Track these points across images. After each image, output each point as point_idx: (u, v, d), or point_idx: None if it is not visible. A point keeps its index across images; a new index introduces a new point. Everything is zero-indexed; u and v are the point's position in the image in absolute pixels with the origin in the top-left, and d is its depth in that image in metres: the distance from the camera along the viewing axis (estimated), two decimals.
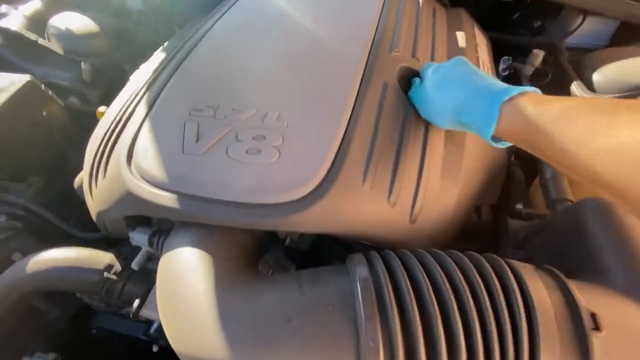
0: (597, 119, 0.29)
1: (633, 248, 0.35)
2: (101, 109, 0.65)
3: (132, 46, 0.99)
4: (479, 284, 0.31)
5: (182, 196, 0.40)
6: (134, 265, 0.51)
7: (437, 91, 0.44)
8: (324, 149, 0.41)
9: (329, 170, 0.40)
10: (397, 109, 0.48)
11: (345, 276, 0.35)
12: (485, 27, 0.85)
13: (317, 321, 0.31)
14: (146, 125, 0.47)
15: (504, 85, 0.38)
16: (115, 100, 0.59)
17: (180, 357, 0.36)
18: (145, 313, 0.55)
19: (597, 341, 0.28)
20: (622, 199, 0.28)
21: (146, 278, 0.54)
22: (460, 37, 0.67)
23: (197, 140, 0.43)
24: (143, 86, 0.55)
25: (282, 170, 0.40)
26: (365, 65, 0.51)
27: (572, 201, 0.47)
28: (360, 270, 0.34)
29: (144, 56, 0.68)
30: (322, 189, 0.39)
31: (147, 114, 0.49)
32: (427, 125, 0.49)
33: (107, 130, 0.51)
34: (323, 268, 0.37)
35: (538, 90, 0.36)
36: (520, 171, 0.60)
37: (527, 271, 0.33)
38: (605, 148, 0.27)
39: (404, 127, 0.47)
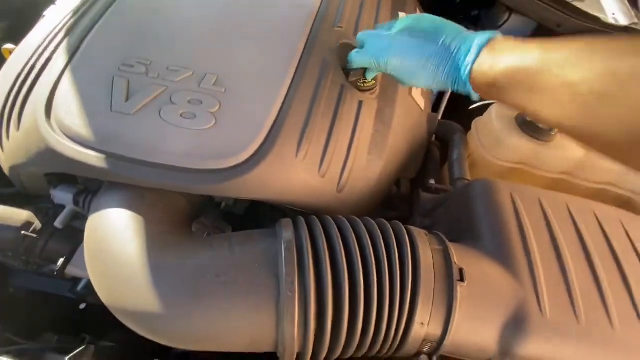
0: (533, 79, 0.30)
1: (501, 221, 0.44)
2: (8, 46, 0.56)
3: None
4: (381, 247, 0.38)
5: (111, 156, 0.39)
6: (58, 224, 0.49)
7: (411, 77, 0.42)
8: (261, 118, 0.43)
9: (265, 139, 0.42)
10: (334, 85, 0.51)
11: (272, 238, 0.39)
12: (429, 10, 0.90)
13: (243, 276, 0.35)
14: (67, 75, 0.44)
15: (470, 38, 0.37)
16: (26, 39, 0.52)
17: (112, 311, 0.37)
18: (71, 271, 0.54)
19: (460, 289, 0.37)
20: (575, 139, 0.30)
21: (70, 236, 0.53)
22: (402, 16, 0.70)
23: (128, 98, 0.42)
24: (62, 27, 0.50)
25: (217, 137, 0.41)
26: (308, 38, 0.52)
27: (468, 180, 0.56)
28: (286, 234, 0.38)
29: None
30: (257, 157, 0.41)
31: (68, 62, 0.45)
32: (360, 103, 0.53)
33: (19, 75, 0.46)
34: (254, 231, 0.41)
35: (498, 34, 0.37)
36: (437, 151, 0.69)
37: (421, 236, 0.40)
38: (542, 107, 0.30)
39: (339, 103, 0.50)
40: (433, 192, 0.63)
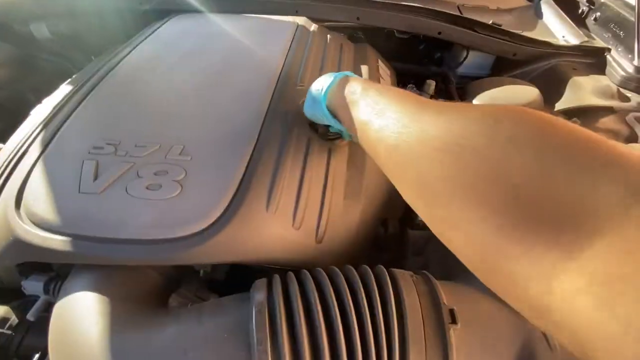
0: (370, 111, 0.31)
1: None
2: None
3: (40, 76, 0.93)
4: (362, 298, 0.35)
5: (76, 238, 0.39)
6: (30, 316, 0.47)
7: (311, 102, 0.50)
8: (227, 179, 0.43)
9: (232, 200, 0.42)
10: (300, 138, 0.52)
11: (245, 303, 0.36)
12: (397, 58, 0.96)
13: (212, 351, 0.32)
14: (40, 165, 0.45)
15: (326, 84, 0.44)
16: (11, 138, 0.55)
17: None
18: None
19: (454, 332, 0.33)
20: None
21: (46, 328, 0.50)
22: (364, 71, 0.74)
23: (95, 178, 0.43)
24: (41, 122, 0.53)
25: (183, 204, 0.41)
26: (271, 99, 0.55)
27: None
28: (257, 296, 0.36)
29: (55, 87, 0.65)
30: (224, 219, 0.41)
31: (41, 153, 0.47)
32: (330, 150, 0.54)
33: None
34: (226, 297, 0.39)
35: (351, 74, 0.44)
36: None
37: (405, 278, 0.38)
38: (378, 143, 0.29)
39: (307, 154, 0.51)
40: (422, 228, 0.61)
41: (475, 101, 0.76)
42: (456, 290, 0.39)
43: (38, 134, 0.50)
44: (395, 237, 0.63)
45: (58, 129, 0.50)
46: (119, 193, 0.42)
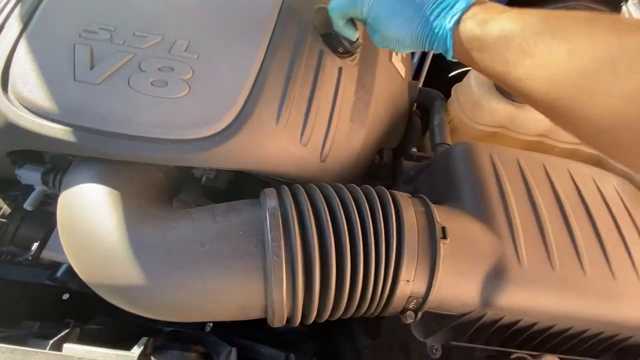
0: (530, 40, 0.28)
1: (481, 181, 0.45)
2: None
3: None
4: (365, 210, 0.38)
5: (79, 129, 0.37)
6: (28, 206, 0.46)
7: (389, 19, 0.38)
8: (238, 84, 0.41)
9: (243, 106, 0.41)
10: (313, 50, 0.49)
11: (256, 207, 0.38)
12: None
13: (228, 244, 0.35)
14: (23, 44, 0.40)
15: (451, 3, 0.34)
16: None
17: (94, 289, 0.36)
18: (48, 256, 0.52)
19: (443, 246, 0.38)
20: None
21: (43, 219, 0.50)
22: None
23: (92, 67, 0.39)
24: None
25: (193, 105, 0.39)
26: (282, 2, 0.50)
27: (449, 145, 0.57)
28: (270, 201, 0.37)
29: None
30: (236, 125, 0.40)
31: (23, 30, 0.41)
32: (340, 70, 0.52)
33: None
34: (237, 201, 0.40)
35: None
36: (418, 120, 0.69)
37: (404, 199, 0.41)
38: (534, 71, 0.27)
39: (318, 69, 0.49)
40: (415, 159, 0.64)
41: None
42: (446, 211, 0.43)
43: (14, 6, 0.43)
44: (388, 166, 0.65)
45: (38, 3, 0.43)
46: (121, 85, 0.39)
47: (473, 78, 0.58)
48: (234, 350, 0.53)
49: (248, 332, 0.75)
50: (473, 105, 0.57)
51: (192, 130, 0.38)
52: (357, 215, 0.37)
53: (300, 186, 0.41)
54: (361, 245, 0.36)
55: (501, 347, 0.46)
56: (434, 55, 0.81)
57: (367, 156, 0.57)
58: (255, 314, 0.37)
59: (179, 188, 0.48)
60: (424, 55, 0.78)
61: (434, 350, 0.45)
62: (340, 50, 0.51)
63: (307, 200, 0.38)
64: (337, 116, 0.50)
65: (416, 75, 0.77)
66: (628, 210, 0.48)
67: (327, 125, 0.49)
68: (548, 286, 0.39)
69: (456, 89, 0.61)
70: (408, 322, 0.40)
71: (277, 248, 0.34)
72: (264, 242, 0.35)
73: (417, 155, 0.63)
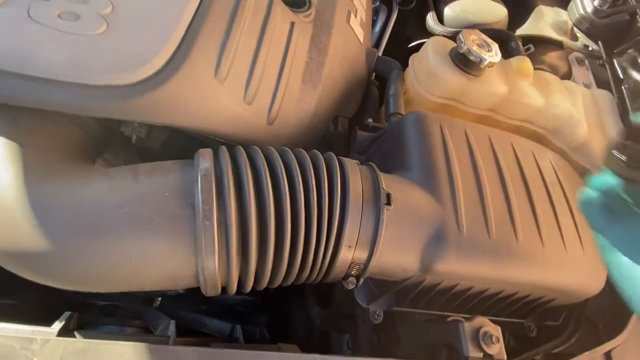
0: None
1: (429, 150, 0.45)
2: None
3: None
4: (310, 173, 0.36)
5: None
6: None
7: None
8: (169, 25, 0.36)
9: (175, 51, 0.35)
10: (260, 1, 0.44)
11: (189, 167, 0.34)
12: None
13: (152, 206, 0.31)
14: None
15: None
16: None
17: None
18: None
19: (387, 212, 0.37)
20: None
21: None
22: None
23: None
24: None
25: (111, 45, 0.33)
26: None
27: (402, 114, 0.56)
28: (203, 161, 0.34)
29: None
30: (166, 72, 0.35)
31: None
32: (293, 24, 0.48)
33: None
34: (167, 161, 0.36)
35: None
36: (376, 90, 0.67)
37: (351, 165, 0.39)
38: None
39: (267, 19, 0.44)
40: (370, 130, 0.62)
41: (447, 9, 0.72)
42: (393, 180, 0.43)
43: None
44: (342, 136, 0.63)
45: None
46: (19, 16, 0.32)
47: (430, 48, 0.57)
48: (172, 322, 0.49)
49: (196, 305, 0.72)
50: (428, 75, 0.56)
51: (108, 75, 0.33)
52: (300, 179, 0.35)
53: (241, 147, 0.37)
54: (303, 210, 0.34)
55: (440, 311, 0.48)
56: (394, 24, 0.78)
57: (321, 122, 0.54)
58: (185, 282, 0.34)
59: (101, 146, 0.42)
60: (385, 23, 0.76)
61: (376, 316, 0.46)
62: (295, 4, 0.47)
63: (247, 162, 0.35)
64: (286, 75, 0.46)
65: (376, 45, 0.75)
66: (561, 183, 0.51)
67: (275, 84, 0.45)
68: (484, 252, 0.41)
69: (413, 59, 0.60)
70: (350, 288, 0.40)
71: (209, 211, 0.31)
72: (194, 205, 0.31)
73: (372, 126, 0.62)
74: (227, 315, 0.71)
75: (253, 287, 0.37)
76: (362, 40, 0.62)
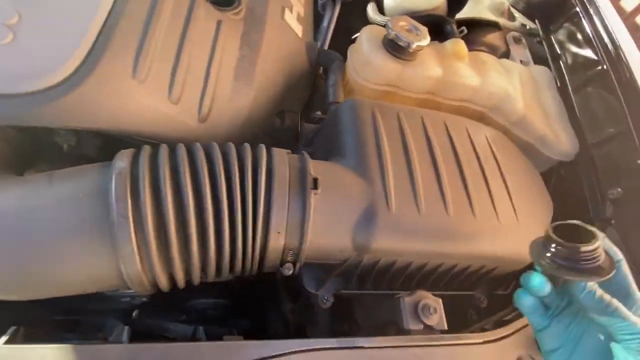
0: None
1: (360, 134, 0.46)
2: None
3: None
4: (233, 165, 0.36)
5: None
6: None
7: None
8: (79, 31, 0.36)
9: (87, 56, 0.36)
10: (181, 1, 0.45)
11: (106, 169, 0.34)
12: None
13: (67, 209, 0.31)
14: None
15: None
16: None
17: None
18: None
19: (314, 197, 0.38)
20: None
21: None
22: None
23: None
24: None
25: (19, 54, 0.34)
26: None
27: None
28: (120, 161, 0.34)
29: None
30: (78, 76, 0.35)
31: None
32: (219, 23, 0.48)
33: None
34: (86, 165, 0.36)
35: None
36: (323, 83, 0.68)
37: (279, 154, 0.40)
38: None
39: (188, 18, 0.45)
40: (316, 122, 0.63)
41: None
42: (327, 165, 0.44)
43: None
44: (291, 131, 0.64)
45: None
46: None
47: (364, 37, 0.58)
48: (125, 328, 0.50)
49: (166, 311, 0.72)
50: (364, 64, 0.57)
51: (16, 84, 0.33)
52: (222, 169, 0.36)
53: (164, 145, 0.38)
54: (225, 200, 0.35)
55: (388, 290, 0.49)
56: (340, 18, 0.80)
57: (260, 118, 0.55)
58: (112, 282, 0.34)
59: (28, 156, 0.42)
60: (330, 17, 0.77)
61: (325, 300, 0.47)
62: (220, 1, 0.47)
63: (166, 157, 0.35)
64: (215, 73, 0.47)
65: (323, 39, 0.76)
66: (495, 157, 0.53)
67: (203, 82, 0.46)
68: (415, 228, 0.42)
69: (350, 49, 0.61)
70: (287, 275, 0.41)
71: (123, 208, 0.31)
72: (109, 204, 0.32)
73: (319, 118, 0.63)
74: (206, 322, 0.71)
75: (188, 281, 0.38)
76: (300, 35, 0.64)
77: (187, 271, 0.36)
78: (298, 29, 0.63)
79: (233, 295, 0.71)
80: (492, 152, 0.54)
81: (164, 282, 0.35)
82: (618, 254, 0.34)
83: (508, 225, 0.47)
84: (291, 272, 0.41)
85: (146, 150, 0.36)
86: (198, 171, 0.35)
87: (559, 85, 0.72)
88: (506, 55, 0.74)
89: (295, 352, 0.35)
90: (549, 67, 0.75)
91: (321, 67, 0.71)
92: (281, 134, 0.64)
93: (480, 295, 0.54)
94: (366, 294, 0.49)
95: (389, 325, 0.45)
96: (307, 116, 0.67)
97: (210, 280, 0.39)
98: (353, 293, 0.48)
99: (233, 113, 0.50)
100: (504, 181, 0.51)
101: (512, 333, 0.45)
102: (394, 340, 0.39)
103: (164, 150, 0.36)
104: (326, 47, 0.76)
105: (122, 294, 0.61)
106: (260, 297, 0.75)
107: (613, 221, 0.59)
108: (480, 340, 0.42)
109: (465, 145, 0.52)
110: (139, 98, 0.39)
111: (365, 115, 0.49)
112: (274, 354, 0.35)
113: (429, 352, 0.39)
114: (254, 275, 0.42)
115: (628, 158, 0.59)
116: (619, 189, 0.59)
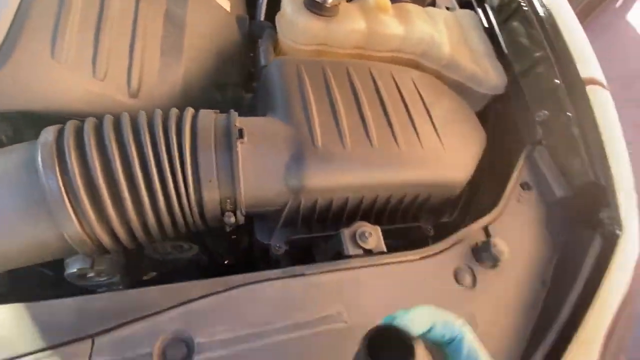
0: None
1: (286, 88, 0.49)
2: None
3: None
4: (158, 125, 0.39)
5: None
6: None
7: None
8: None
9: (3, 42, 0.38)
10: None
11: (33, 143, 0.37)
12: None
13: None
14: None
15: None
16: None
17: None
18: None
19: (241, 145, 0.41)
20: None
21: None
22: None
23: None
24: None
25: None
26: None
27: None
28: (45, 133, 0.36)
29: None
30: None
31: None
32: (137, 2, 0.50)
33: None
34: (17, 144, 0.38)
35: None
36: None
37: (205, 113, 0.43)
38: None
39: (103, 3, 0.47)
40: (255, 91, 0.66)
41: None
42: (255, 120, 0.47)
43: None
44: (233, 101, 0.67)
45: None
46: None
47: (285, 0, 0.61)
48: None
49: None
50: (289, 26, 0.60)
51: None
52: (146, 130, 0.38)
53: (92, 118, 0.40)
54: (151, 157, 0.37)
55: (335, 231, 0.53)
56: None
57: (196, 90, 0.57)
58: (55, 247, 0.36)
59: None
60: None
61: (277, 248, 0.50)
62: None
63: (92, 124, 0.38)
64: (140, 49, 0.49)
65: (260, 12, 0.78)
66: (421, 96, 0.56)
67: (128, 59, 0.48)
68: (342, 162, 0.45)
69: (277, 16, 0.64)
70: (229, 224, 0.44)
71: (51, 172, 0.34)
72: (38, 172, 0.34)
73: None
74: None
75: (137, 242, 0.40)
76: (229, 9, 0.66)
77: (129, 229, 0.39)
78: (225, 4, 0.65)
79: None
80: (417, 91, 0.57)
81: (106, 241, 0.38)
82: (455, 330, 0.29)
83: (434, 153, 0.51)
84: (233, 220, 0.44)
85: (73, 122, 0.38)
86: (122, 129, 0.38)
87: (486, 25, 0.76)
88: (432, 3, 0.77)
89: (237, 287, 0.39)
90: (474, 10, 0.78)
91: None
92: (224, 107, 0.67)
93: (426, 226, 0.58)
94: (318, 238, 0.52)
95: (335, 257, 0.48)
96: (248, 88, 0.69)
97: (158, 238, 0.42)
98: (304, 238, 0.51)
99: (166, 88, 0.52)
100: (429, 115, 0.54)
101: (450, 247, 0.48)
102: (333, 265, 0.42)
103: (90, 120, 0.39)
104: (262, 18, 0.78)
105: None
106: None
107: (544, 142, 0.63)
108: (418, 257, 0.46)
109: (389, 87, 0.55)
110: (62, 77, 0.41)
111: (290, 70, 0.51)
112: (216, 290, 0.38)
113: (367, 272, 0.43)
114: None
115: (549, 81, 0.63)
116: (545, 111, 0.63)
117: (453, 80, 0.69)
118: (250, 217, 0.50)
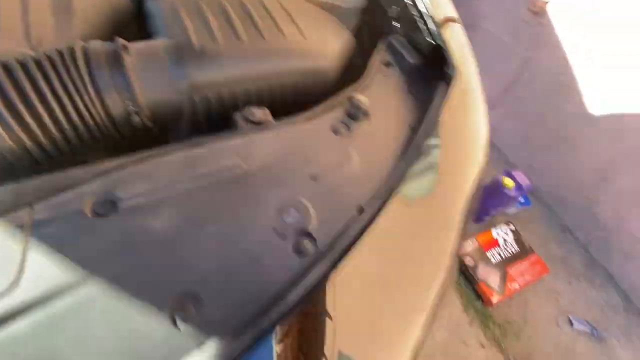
0: None
1: (164, 13, 0.60)
2: None
3: None
4: (57, 51, 0.49)
5: None
6: None
7: None
8: None
9: None
10: None
11: None
12: None
13: None
14: None
15: None
16: None
17: None
18: None
19: (126, 57, 0.51)
20: None
21: None
22: None
23: None
24: None
25: None
26: None
27: None
28: None
29: None
30: None
31: None
32: None
33: None
34: None
35: None
36: None
37: (95, 42, 0.53)
38: None
39: None
40: None
41: None
42: (139, 42, 0.57)
43: None
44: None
45: None
46: None
47: None
48: None
49: None
50: None
51: None
52: (45, 58, 0.48)
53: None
54: (55, 80, 0.47)
55: None
56: None
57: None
58: None
59: None
60: None
61: None
62: None
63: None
64: (33, 12, 0.58)
65: None
66: (281, 3, 0.69)
67: (22, 21, 0.57)
68: (217, 58, 0.57)
69: None
70: (136, 123, 0.54)
71: None
72: None
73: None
74: None
75: (39, 144, 0.49)
76: None
77: (26, 127, 0.47)
78: None
79: None
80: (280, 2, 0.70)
81: (24, 136, 0.46)
82: None
83: (296, 42, 0.63)
84: (139, 119, 0.54)
85: None
86: (26, 60, 0.47)
87: None
88: None
89: (150, 156, 0.49)
90: None
91: None
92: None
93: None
94: None
95: None
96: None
97: (67, 137, 0.51)
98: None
99: (63, 41, 0.61)
100: (289, 14, 0.67)
101: (326, 110, 0.61)
102: (227, 134, 0.53)
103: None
104: None
105: None
106: None
107: (400, 31, 0.77)
108: (296, 120, 0.58)
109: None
110: None
111: None
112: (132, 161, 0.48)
113: (259, 136, 0.54)
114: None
115: None
116: (394, 6, 0.78)
117: (322, 3, 0.82)
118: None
